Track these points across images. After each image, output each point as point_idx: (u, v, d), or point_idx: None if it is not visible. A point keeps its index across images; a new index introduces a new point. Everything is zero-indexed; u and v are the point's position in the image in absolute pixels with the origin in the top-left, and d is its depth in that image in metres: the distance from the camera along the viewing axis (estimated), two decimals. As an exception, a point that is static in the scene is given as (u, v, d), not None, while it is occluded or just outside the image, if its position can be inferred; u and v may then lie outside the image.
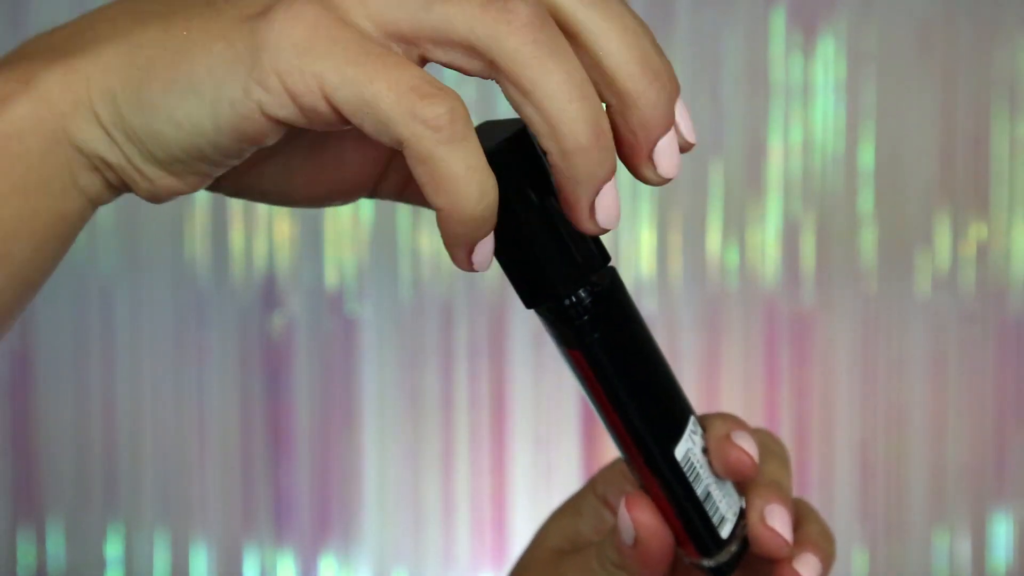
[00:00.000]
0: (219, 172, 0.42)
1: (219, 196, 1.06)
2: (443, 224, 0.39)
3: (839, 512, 1.06)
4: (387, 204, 1.04)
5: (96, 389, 1.08)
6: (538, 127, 0.39)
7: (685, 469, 0.49)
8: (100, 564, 1.08)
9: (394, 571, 1.08)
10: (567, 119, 0.39)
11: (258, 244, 1.07)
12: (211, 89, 0.39)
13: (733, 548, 0.51)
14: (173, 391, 1.08)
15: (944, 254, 1.05)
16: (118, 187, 0.42)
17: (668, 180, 0.43)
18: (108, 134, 0.41)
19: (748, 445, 0.50)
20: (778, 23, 1.04)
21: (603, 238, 0.45)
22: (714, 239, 1.05)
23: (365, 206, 1.04)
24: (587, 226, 0.41)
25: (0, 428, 1.08)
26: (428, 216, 1.04)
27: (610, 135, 0.40)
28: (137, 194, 0.42)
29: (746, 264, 1.05)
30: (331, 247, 1.06)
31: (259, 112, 0.39)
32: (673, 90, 0.41)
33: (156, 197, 0.42)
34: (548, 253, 0.44)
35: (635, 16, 0.41)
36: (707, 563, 0.51)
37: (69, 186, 0.41)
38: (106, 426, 1.08)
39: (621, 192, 1.05)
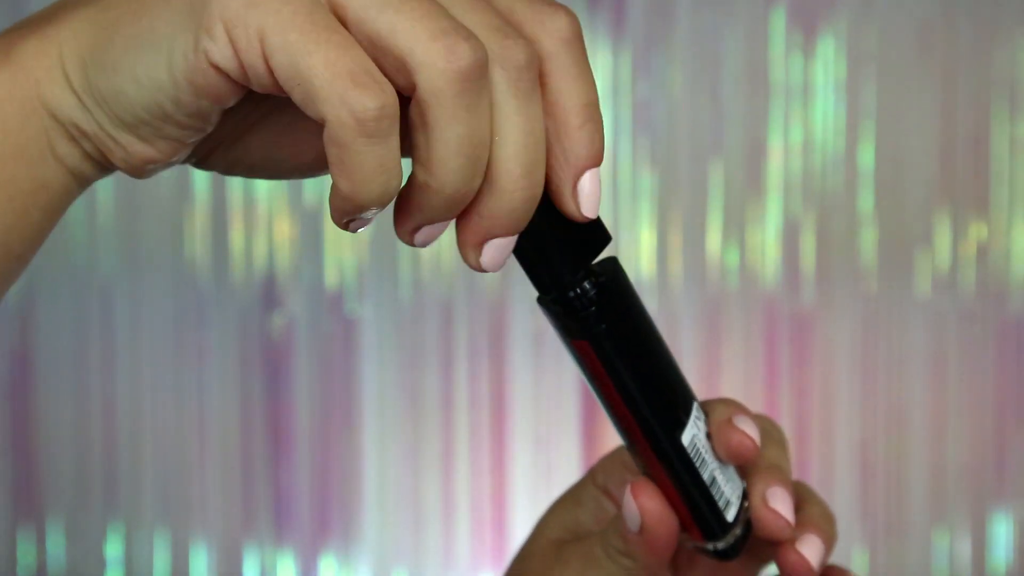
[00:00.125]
0: (190, 137, 0.42)
1: (219, 196, 1.07)
2: (334, 197, 0.40)
3: (839, 512, 1.05)
4: (387, 204, 1.04)
5: (96, 389, 1.08)
6: (418, 153, 0.40)
7: (691, 454, 0.49)
8: (100, 564, 1.08)
9: (394, 571, 1.08)
10: (447, 168, 0.40)
11: (258, 244, 1.07)
12: (167, 41, 0.39)
13: (738, 531, 0.52)
14: (173, 391, 1.08)
15: (944, 254, 1.05)
16: (97, 159, 0.42)
17: (588, 219, 0.43)
18: (80, 99, 0.41)
19: (750, 429, 0.51)
20: (778, 23, 1.05)
21: None
22: (714, 239, 1.05)
23: (365, 206, 1.04)
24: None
25: (0, 428, 1.08)
26: (428, 216, 1.05)
27: (470, 195, 0.41)
28: (116, 167, 0.42)
29: (746, 264, 1.06)
30: (331, 247, 1.06)
31: (208, 63, 0.39)
32: (601, 133, 0.43)
33: (134, 168, 0.42)
34: (555, 236, 0.44)
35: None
36: (713, 547, 0.52)
37: (47, 154, 0.42)
38: (106, 426, 1.08)
39: (621, 192, 1.06)
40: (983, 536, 1.06)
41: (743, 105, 1.05)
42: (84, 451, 1.08)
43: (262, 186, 1.06)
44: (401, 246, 1.05)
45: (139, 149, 0.42)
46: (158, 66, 0.40)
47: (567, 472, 1.07)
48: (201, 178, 1.06)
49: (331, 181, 0.40)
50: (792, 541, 0.52)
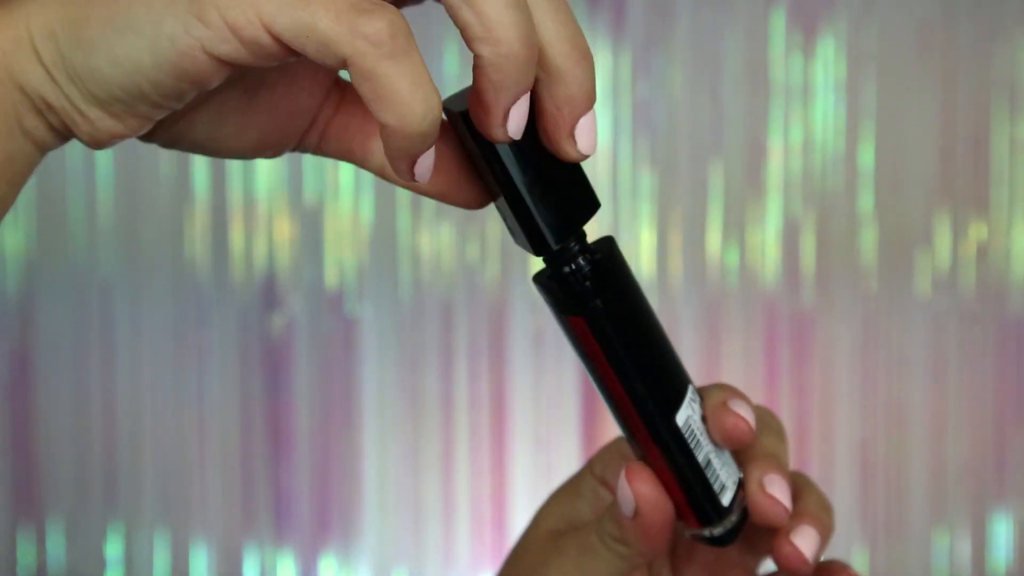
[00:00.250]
0: (160, 115, 0.42)
1: (219, 196, 1.07)
2: (387, 139, 0.40)
3: (839, 512, 1.05)
4: (388, 204, 1.04)
5: (96, 389, 1.08)
6: (474, 31, 0.40)
7: (686, 436, 0.49)
8: (100, 564, 1.08)
9: (394, 571, 1.08)
10: (504, 24, 0.40)
11: (258, 244, 1.07)
12: (150, 26, 0.40)
13: (734, 518, 0.51)
14: (173, 391, 1.08)
15: (944, 254, 1.05)
16: (61, 132, 0.43)
17: (585, 157, 0.44)
18: (49, 74, 0.41)
19: (745, 412, 0.50)
20: (778, 23, 1.05)
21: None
22: (714, 239, 1.05)
23: (365, 206, 1.04)
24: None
25: (0, 428, 1.08)
26: (428, 216, 1.05)
27: (537, 50, 0.41)
28: (80, 139, 0.43)
29: (746, 264, 1.06)
30: (331, 247, 1.06)
31: (201, 50, 0.39)
32: (594, 73, 0.43)
33: (97, 141, 0.42)
34: (550, 195, 0.45)
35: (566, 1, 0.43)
36: (708, 533, 0.51)
37: (15, 128, 0.42)
38: (106, 426, 1.08)
39: (621, 192, 1.06)
40: (983, 536, 1.06)
41: (743, 105, 1.05)
42: (84, 451, 1.08)
43: (262, 186, 1.06)
44: (401, 246, 1.05)
45: (108, 124, 0.42)
46: (139, 48, 0.40)
47: (567, 472, 1.06)
48: (201, 178, 1.06)
49: (380, 137, 0.40)
50: (787, 532, 0.51)
